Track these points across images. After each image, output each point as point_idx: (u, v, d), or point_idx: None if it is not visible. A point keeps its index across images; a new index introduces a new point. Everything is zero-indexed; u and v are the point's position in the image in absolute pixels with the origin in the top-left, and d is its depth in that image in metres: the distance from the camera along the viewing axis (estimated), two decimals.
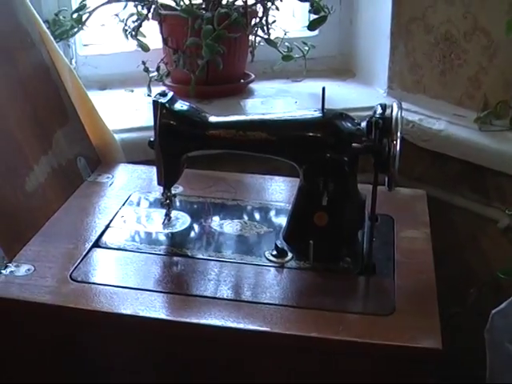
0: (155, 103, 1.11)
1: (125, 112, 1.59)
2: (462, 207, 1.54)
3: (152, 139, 1.13)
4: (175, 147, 1.14)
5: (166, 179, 1.16)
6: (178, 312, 0.99)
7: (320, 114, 1.09)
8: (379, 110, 1.05)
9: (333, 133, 1.08)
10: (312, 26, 1.65)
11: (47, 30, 1.41)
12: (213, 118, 1.13)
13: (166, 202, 1.19)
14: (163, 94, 1.12)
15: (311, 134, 1.09)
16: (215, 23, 1.52)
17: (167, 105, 1.10)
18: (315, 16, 1.65)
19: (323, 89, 1.07)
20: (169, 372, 1.03)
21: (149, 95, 1.65)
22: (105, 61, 1.75)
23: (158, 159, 1.14)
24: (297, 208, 1.13)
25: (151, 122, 1.12)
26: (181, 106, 1.13)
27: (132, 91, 1.71)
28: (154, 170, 1.28)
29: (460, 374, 1.46)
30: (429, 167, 1.57)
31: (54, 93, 1.37)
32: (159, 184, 1.17)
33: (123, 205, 1.27)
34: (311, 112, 1.11)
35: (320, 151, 1.08)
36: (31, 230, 1.16)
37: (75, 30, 1.64)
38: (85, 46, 1.76)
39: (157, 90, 1.56)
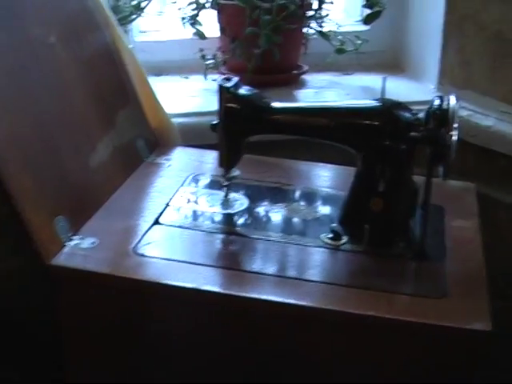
0: (220, 87, 1.14)
1: (180, 97, 1.63)
2: (508, 203, 1.55)
3: (215, 122, 1.17)
4: (238, 130, 1.17)
5: (228, 161, 1.20)
6: (240, 286, 1.02)
7: (379, 103, 1.12)
8: (437, 102, 1.09)
9: (391, 121, 1.11)
10: (367, 20, 1.69)
11: (111, 14, 1.45)
12: (275, 104, 1.16)
13: (226, 184, 1.23)
14: (228, 79, 1.16)
15: (370, 122, 1.12)
16: (273, 14, 1.55)
17: (232, 89, 1.14)
18: (369, 10, 1.68)
19: (384, 78, 1.11)
20: (225, 345, 1.06)
21: (213, 80, 1.68)
22: (161, 47, 1.78)
23: (220, 142, 1.17)
24: (353, 193, 1.16)
25: (207, 108, 1.15)
26: (245, 90, 1.16)
27: (187, 78, 1.75)
28: (209, 153, 1.33)
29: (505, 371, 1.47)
30: (476, 163, 1.58)
31: (116, 75, 1.40)
32: (220, 166, 1.20)
33: (181, 185, 1.30)
34: (370, 101, 1.14)
35: (379, 139, 1.11)
36: (94, 205, 1.20)
37: (134, 16, 1.68)
38: (142, 32, 1.80)
39: (211, 77, 1.62)
